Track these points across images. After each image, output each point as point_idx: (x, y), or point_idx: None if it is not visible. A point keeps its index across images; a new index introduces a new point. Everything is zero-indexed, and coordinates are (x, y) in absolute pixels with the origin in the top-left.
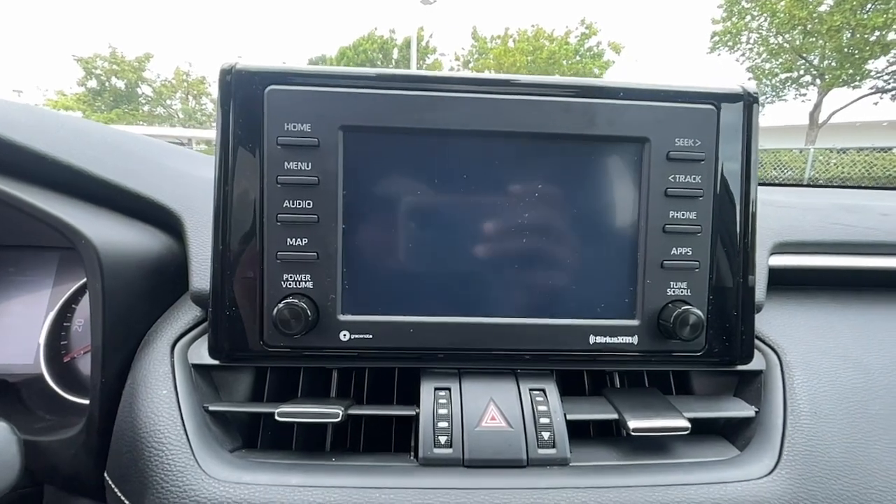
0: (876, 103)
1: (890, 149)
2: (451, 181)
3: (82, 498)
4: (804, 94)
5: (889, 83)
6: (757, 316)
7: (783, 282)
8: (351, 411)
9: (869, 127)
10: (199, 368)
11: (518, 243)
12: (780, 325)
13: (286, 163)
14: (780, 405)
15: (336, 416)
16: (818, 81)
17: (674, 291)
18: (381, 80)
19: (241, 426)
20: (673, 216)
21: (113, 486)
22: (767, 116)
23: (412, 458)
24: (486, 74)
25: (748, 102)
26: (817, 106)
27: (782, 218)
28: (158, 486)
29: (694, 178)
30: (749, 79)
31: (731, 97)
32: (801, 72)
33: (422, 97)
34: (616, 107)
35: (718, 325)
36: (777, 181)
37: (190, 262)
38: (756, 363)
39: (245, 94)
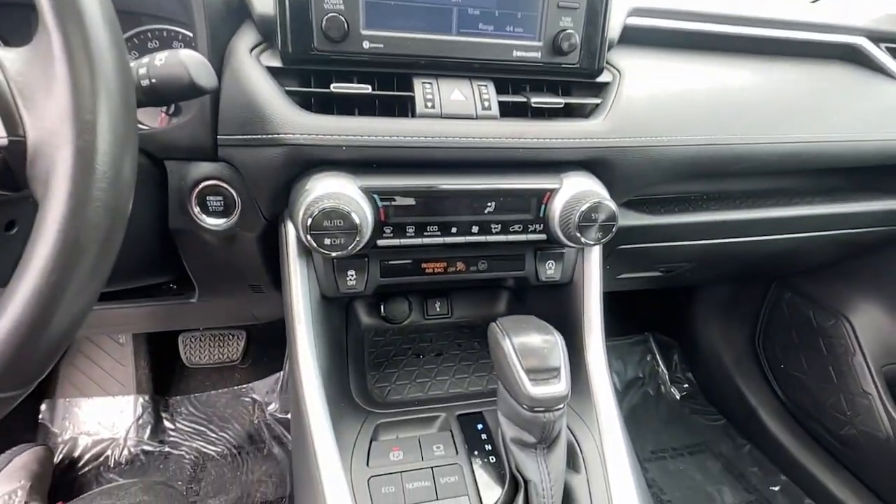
0: None
1: None
2: None
3: (200, 162)
4: None
5: None
6: (612, 53)
7: (640, 42)
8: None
9: None
10: (272, 70)
11: None
12: (628, 59)
13: None
14: (613, 96)
15: (366, 89)
16: None
17: (563, 24)
18: None
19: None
20: None
21: (227, 136)
22: None
23: (410, 116)
24: None
25: None
26: None
27: None
28: (264, 125)
29: None
30: None
31: None
32: None
33: None
34: None
35: (587, 49)
36: None
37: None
38: (605, 77)
39: None
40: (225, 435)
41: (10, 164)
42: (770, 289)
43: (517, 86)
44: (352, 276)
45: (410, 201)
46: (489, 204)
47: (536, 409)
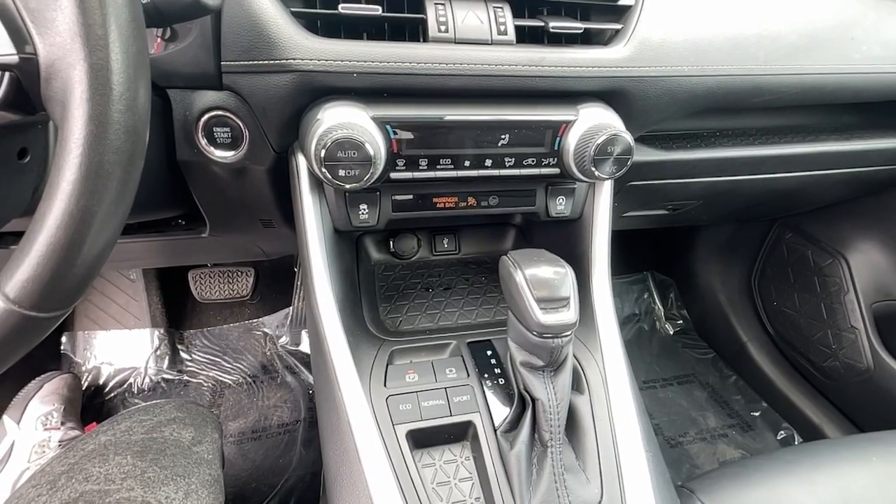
0: None
1: None
2: None
3: (203, 90)
4: None
5: None
6: None
7: None
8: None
9: None
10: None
11: None
12: None
13: None
14: (635, 21)
15: (376, 10)
16: None
17: None
18: None
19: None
20: None
21: (230, 62)
22: None
23: (422, 40)
24: None
25: None
26: None
27: None
28: (270, 50)
29: None
30: None
31: None
32: None
33: None
34: None
35: None
36: None
37: None
38: (628, 1)
39: None
40: (239, 365)
41: (23, 84)
42: (771, 229)
43: (533, 8)
44: (364, 209)
45: (423, 133)
46: (503, 136)
47: (546, 335)
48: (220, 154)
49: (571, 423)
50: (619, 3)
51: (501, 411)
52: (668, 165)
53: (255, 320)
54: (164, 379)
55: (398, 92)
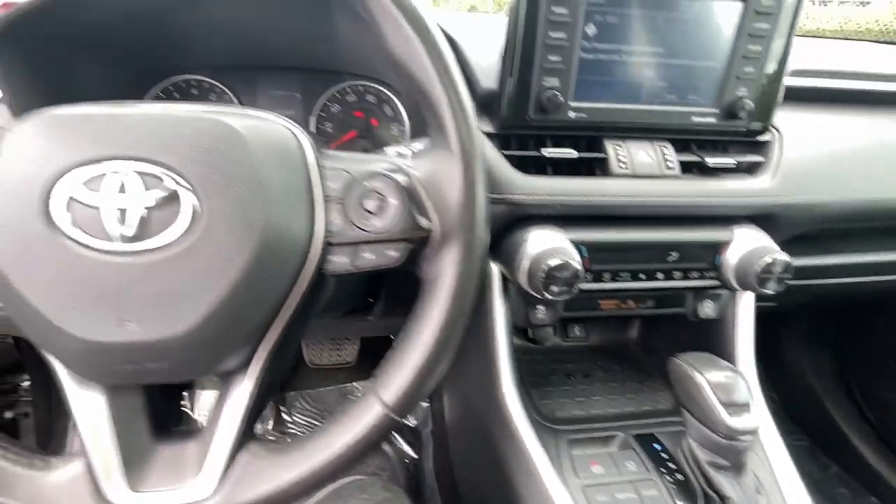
0: None
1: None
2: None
3: None
4: None
5: None
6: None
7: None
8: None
9: None
10: (487, 135)
11: (659, 58)
12: (784, 117)
13: (553, 7)
14: (777, 156)
15: (572, 153)
16: None
17: (739, 92)
18: None
19: None
20: (749, 49)
21: None
22: None
23: (601, 174)
24: None
25: None
26: None
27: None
28: (493, 187)
29: (766, 25)
30: None
31: None
32: None
33: None
34: None
35: (757, 114)
36: None
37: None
38: (765, 136)
39: None
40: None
41: (415, 251)
42: (865, 313)
43: (684, 144)
44: (542, 310)
45: (609, 251)
46: (672, 253)
47: (734, 437)
48: None
49: None
50: (759, 139)
51: None
52: (809, 269)
53: (351, 384)
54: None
55: (587, 217)
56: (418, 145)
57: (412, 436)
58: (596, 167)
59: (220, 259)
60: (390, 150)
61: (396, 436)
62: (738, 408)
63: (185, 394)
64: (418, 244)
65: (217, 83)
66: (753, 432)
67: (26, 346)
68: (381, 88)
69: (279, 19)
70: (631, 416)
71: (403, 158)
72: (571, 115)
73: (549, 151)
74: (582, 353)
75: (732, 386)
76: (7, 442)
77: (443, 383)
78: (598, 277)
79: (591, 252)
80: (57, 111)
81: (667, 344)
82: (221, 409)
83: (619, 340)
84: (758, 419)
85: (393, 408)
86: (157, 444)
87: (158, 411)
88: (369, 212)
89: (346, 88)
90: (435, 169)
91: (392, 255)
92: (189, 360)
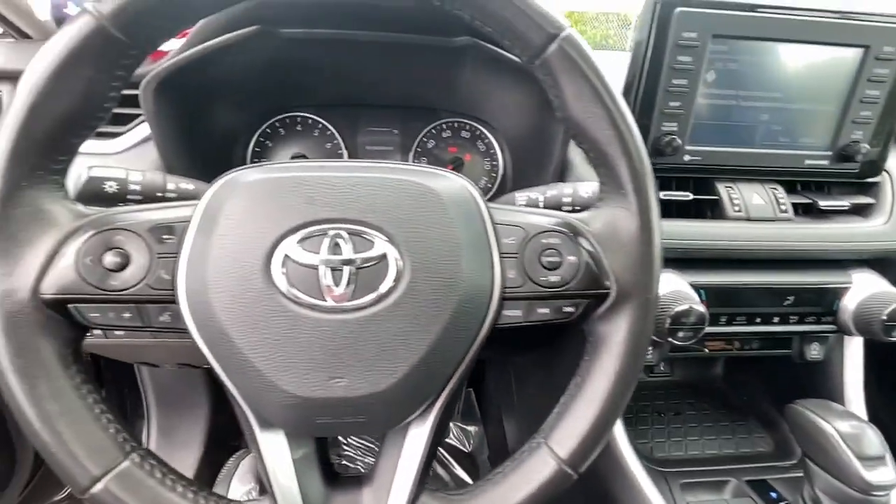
0: None
1: None
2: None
3: None
4: None
5: None
6: None
7: None
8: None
9: None
10: None
11: (775, 103)
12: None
13: (678, 56)
14: (891, 198)
15: (687, 196)
16: None
17: (854, 136)
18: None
19: None
20: (867, 94)
21: None
22: None
23: (711, 216)
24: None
25: None
26: None
27: None
28: None
29: (886, 71)
30: None
31: None
32: None
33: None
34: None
35: (871, 157)
36: None
37: None
38: (877, 178)
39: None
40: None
41: (589, 307)
42: None
43: (791, 185)
44: (650, 350)
45: (726, 294)
46: (788, 297)
47: (871, 493)
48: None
49: None
50: (869, 180)
51: None
52: None
53: None
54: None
55: (702, 259)
56: (585, 190)
57: (468, 462)
58: (706, 209)
59: (423, 316)
60: (521, 195)
61: (452, 461)
62: (873, 461)
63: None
64: (594, 301)
65: (321, 119)
66: (892, 487)
67: (106, 364)
68: (477, 125)
69: (409, 69)
70: (735, 460)
71: (572, 212)
72: (686, 157)
73: (664, 194)
74: (667, 390)
75: (863, 437)
76: (186, 481)
77: (503, 410)
78: (714, 321)
79: (710, 295)
80: (269, 174)
81: (756, 382)
82: (397, 457)
83: (705, 377)
84: (894, 472)
85: (568, 462)
86: (332, 490)
87: (326, 458)
88: (545, 267)
89: (442, 125)
90: (612, 226)
91: (568, 310)
92: (386, 415)
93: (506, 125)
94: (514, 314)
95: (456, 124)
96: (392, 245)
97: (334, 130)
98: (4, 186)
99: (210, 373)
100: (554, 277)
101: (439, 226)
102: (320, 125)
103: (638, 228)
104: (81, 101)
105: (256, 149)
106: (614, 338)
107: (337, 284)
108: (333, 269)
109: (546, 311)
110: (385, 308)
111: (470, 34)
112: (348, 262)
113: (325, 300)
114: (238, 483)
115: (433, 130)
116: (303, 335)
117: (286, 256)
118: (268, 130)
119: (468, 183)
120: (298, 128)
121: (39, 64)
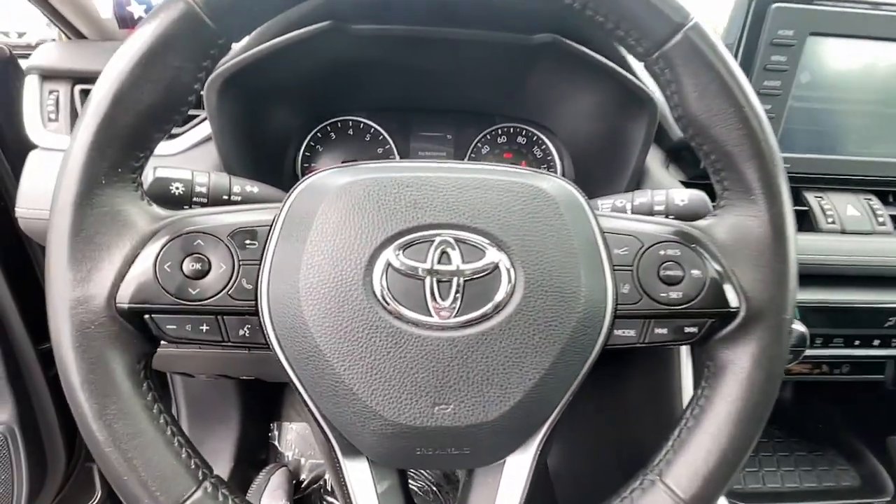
0: None
1: None
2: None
3: None
4: None
5: None
6: None
7: None
8: None
9: None
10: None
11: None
12: None
13: (772, 56)
14: None
15: None
16: None
17: None
18: None
19: None
20: None
21: None
22: None
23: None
24: None
25: None
26: None
27: None
28: None
29: None
30: None
31: None
32: None
33: None
34: None
35: None
36: None
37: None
38: None
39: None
40: (424, 472)
41: (714, 327)
42: None
43: (882, 195)
44: None
45: (824, 314)
46: (891, 318)
47: None
48: None
49: None
50: None
51: None
52: None
53: None
54: None
55: None
56: (681, 197)
57: None
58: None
59: (538, 335)
60: (605, 201)
61: None
62: None
63: None
64: (720, 321)
65: (373, 123)
66: None
67: (174, 379)
68: (534, 130)
69: (478, 69)
70: (820, 495)
71: (688, 222)
72: None
73: None
74: None
75: None
76: None
77: None
78: (810, 342)
79: (805, 314)
80: (365, 175)
81: (831, 409)
82: (494, 493)
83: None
84: None
85: (689, 502)
86: None
87: (408, 491)
88: (664, 282)
89: (497, 130)
90: (739, 236)
91: (690, 331)
92: (493, 447)
93: (571, 130)
94: (627, 334)
95: (512, 129)
96: (504, 253)
97: (386, 135)
98: (83, 184)
99: (242, 384)
100: (675, 294)
101: (555, 232)
102: (372, 129)
103: (771, 239)
104: (166, 93)
105: (306, 153)
106: (741, 363)
107: (444, 298)
108: (440, 281)
109: (664, 331)
110: (497, 325)
111: (552, 31)
112: (457, 272)
113: (431, 315)
114: (268, 500)
115: (488, 136)
116: (406, 355)
117: (388, 265)
118: (318, 134)
119: (573, 186)
120: (350, 132)
121: (127, 51)
